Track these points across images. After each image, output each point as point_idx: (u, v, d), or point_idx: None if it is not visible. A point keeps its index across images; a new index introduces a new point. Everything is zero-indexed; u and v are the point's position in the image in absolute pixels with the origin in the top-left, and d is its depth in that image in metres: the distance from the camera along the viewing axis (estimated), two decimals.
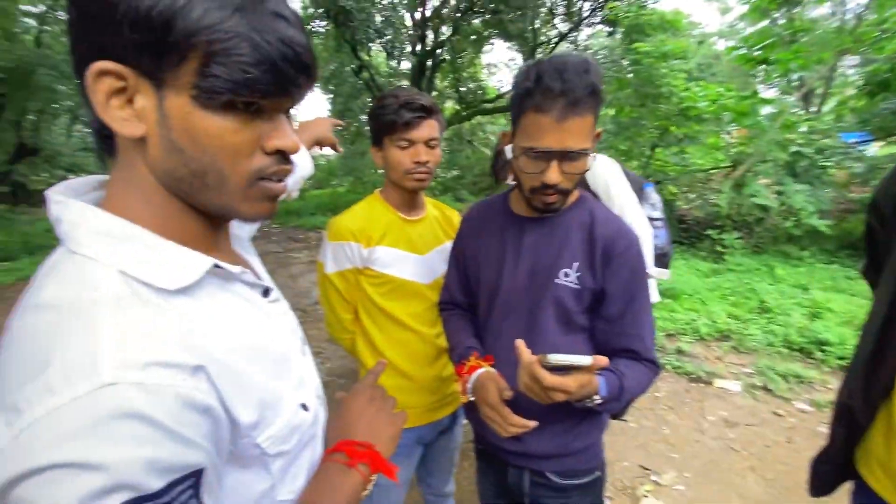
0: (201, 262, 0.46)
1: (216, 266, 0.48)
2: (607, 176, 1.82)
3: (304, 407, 0.54)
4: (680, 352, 3.65)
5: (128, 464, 0.32)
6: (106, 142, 0.47)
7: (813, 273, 5.22)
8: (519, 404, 0.93)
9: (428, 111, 1.17)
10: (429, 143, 1.20)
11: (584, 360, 0.78)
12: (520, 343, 0.84)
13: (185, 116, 0.42)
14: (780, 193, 5.88)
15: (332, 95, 16.18)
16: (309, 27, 11.42)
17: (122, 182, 0.46)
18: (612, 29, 11.48)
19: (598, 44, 12.89)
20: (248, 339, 0.49)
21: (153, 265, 0.43)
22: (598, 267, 0.96)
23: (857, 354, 0.87)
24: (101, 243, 0.42)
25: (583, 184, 1.84)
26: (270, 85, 0.42)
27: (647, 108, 6.57)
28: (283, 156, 0.48)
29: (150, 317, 0.40)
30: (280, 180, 0.50)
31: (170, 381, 0.37)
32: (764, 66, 6.32)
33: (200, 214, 0.49)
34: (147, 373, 0.36)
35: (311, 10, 10.87)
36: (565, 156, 0.88)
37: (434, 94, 13.82)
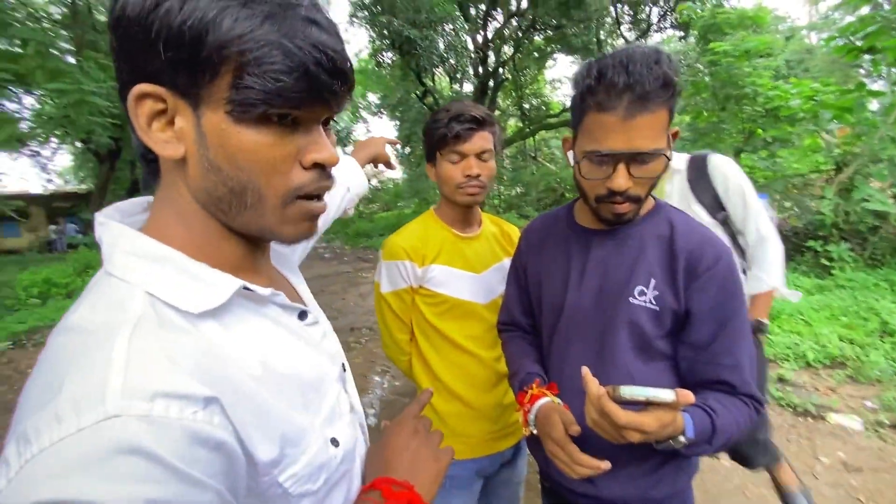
0: (229, 284, 0.44)
1: (245, 288, 0.46)
2: (742, 181, 1.63)
3: (334, 442, 0.50)
4: (782, 380, 3.20)
5: None
6: (150, 165, 0.48)
7: None
8: (589, 441, 0.82)
9: (479, 123, 1.13)
10: (481, 156, 1.15)
11: (666, 394, 0.66)
12: (586, 371, 0.74)
13: (221, 133, 0.41)
14: None
15: (398, 122, 16.88)
16: (377, 59, 12.07)
17: (163, 203, 0.47)
18: (683, 33, 10.93)
19: (670, 49, 12.28)
20: (275, 367, 0.46)
21: (180, 287, 0.42)
22: (681, 285, 0.84)
23: None
24: (133, 265, 0.42)
25: (709, 191, 1.66)
26: (304, 92, 0.41)
27: (729, 111, 6.05)
28: (323, 170, 0.46)
29: (168, 342, 0.38)
30: (320, 198, 0.48)
31: (178, 413, 0.34)
32: (869, 56, 5.58)
33: (239, 236, 0.48)
34: (154, 404, 0.33)
35: (377, 43, 11.47)
36: (634, 158, 0.78)
37: (497, 112, 13.89)
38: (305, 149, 0.44)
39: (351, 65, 0.44)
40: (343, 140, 26.55)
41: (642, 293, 0.86)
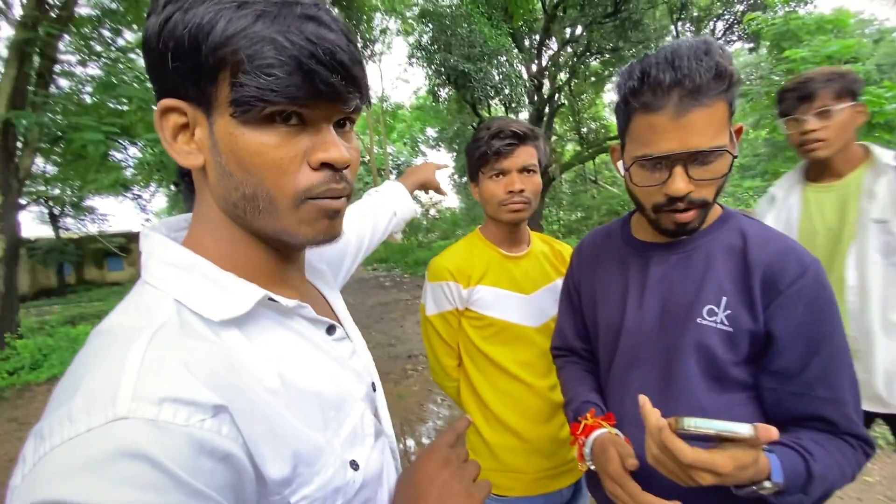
0: (252, 293, 0.44)
1: (270, 299, 0.45)
2: None
3: (354, 465, 0.46)
4: None
5: None
6: (186, 180, 0.49)
7: None
8: (656, 479, 0.71)
9: (520, 138, 1.10)
10: (524, 171, 1.11)
11: (741, 428, 0.56)
12: (644, 400, 0.64)
13: (229, 137, 0.41)
14: None
15: (455, 153, 17.28)
16: (435, 94, 12.53)
17: (196, 216, 0.48)
18: (753, 44, 10.38)
19: (740, 63, 11.69)
20: (294, 381, 0.44)
21: (206, 295, 0.42)
22: (759, 302, 0.73)
23: None
24: (165, 273, 0.43)
25: None
26: (299, 87, 0.39)
27: None
28: (333, 171, 0.44)
29: (185, 349, 0.37)
30: (336, 198, 0.46)
31: (184, 420, 0.33)
32: None
33: (266, 245, 0.48)
34: (161, 409, 0.32)
35: (434, 80, 11.93)
36: (692, 158, 0.70)
37: (553, 138, 13.80)
38: (313, 149, 0.43)
39: (356, 59, 0.43)
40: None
41: (712, 313, 0.76)
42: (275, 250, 0.49)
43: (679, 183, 0.71)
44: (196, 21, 0.38)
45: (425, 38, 11.30)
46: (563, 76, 12.71)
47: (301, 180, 0.43)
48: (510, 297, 1.14)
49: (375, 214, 0.95)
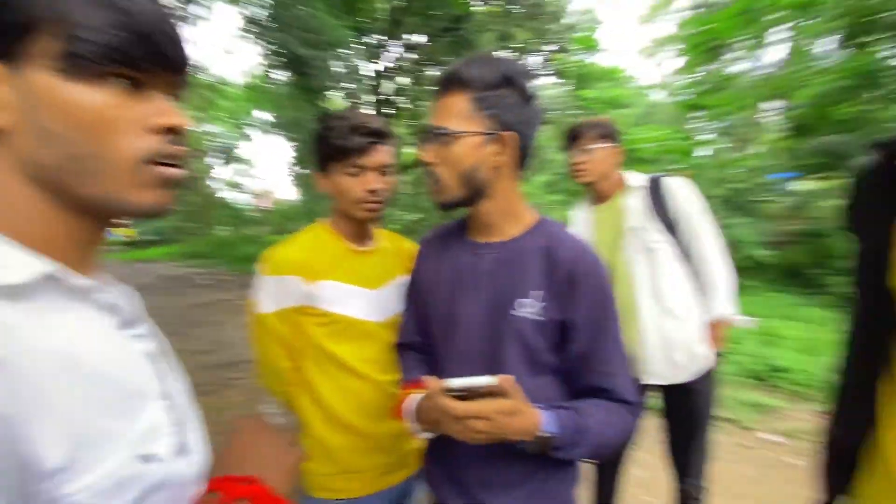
0: (35, 265, 0.40)
1: (58, 276, 0.42)
2: (689, 203, 1.69)
3: (147, 459, 0.43)
4: None
5: None
6: None
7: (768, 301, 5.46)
8: (472, 460, 0.85)
9: (380, 136, 1.08)
10: (381, 170, 1.10)
11: (485, 379, 0.73)
12: (428, 378, 0.79)
13: (51, 94, 0.39)
14: (727, 227, 6.23)
15: (293, 142, 16.20)
16: (268, 76, 11.52)
17: None
18: (562, 80, 12.34)
19: (551, 95, 13.73)
20: (83, 363, 0.41)
21: None
22: (564, 295, 0.87)
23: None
24: None
25: (663, 212, 1.68)
26: (135, 47, 0.41)
27: None
28: (175, 135, 0.45)
29: None
30: (175, 166, 0.46)
31: None
32: (699, 112, 6.88)
33: (76, 219, 0.44)
34: None
35: (270, 60, 10.98)
36: (430, 135, 0.88)
37: None
38: (152, 114, 0.43)
39: (170, 27, 0.44)
40: (226, 158, 24.57)
41: (528, 305, 0.88)
42: (83, 228, 0.45)
43: (421, 151, 0.90)
44: None
45: (261, 14, 10.30)
46: (404, 80, 13.07)
47: (141, 144, 0.42)
48: (356, 292, 1.12)
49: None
